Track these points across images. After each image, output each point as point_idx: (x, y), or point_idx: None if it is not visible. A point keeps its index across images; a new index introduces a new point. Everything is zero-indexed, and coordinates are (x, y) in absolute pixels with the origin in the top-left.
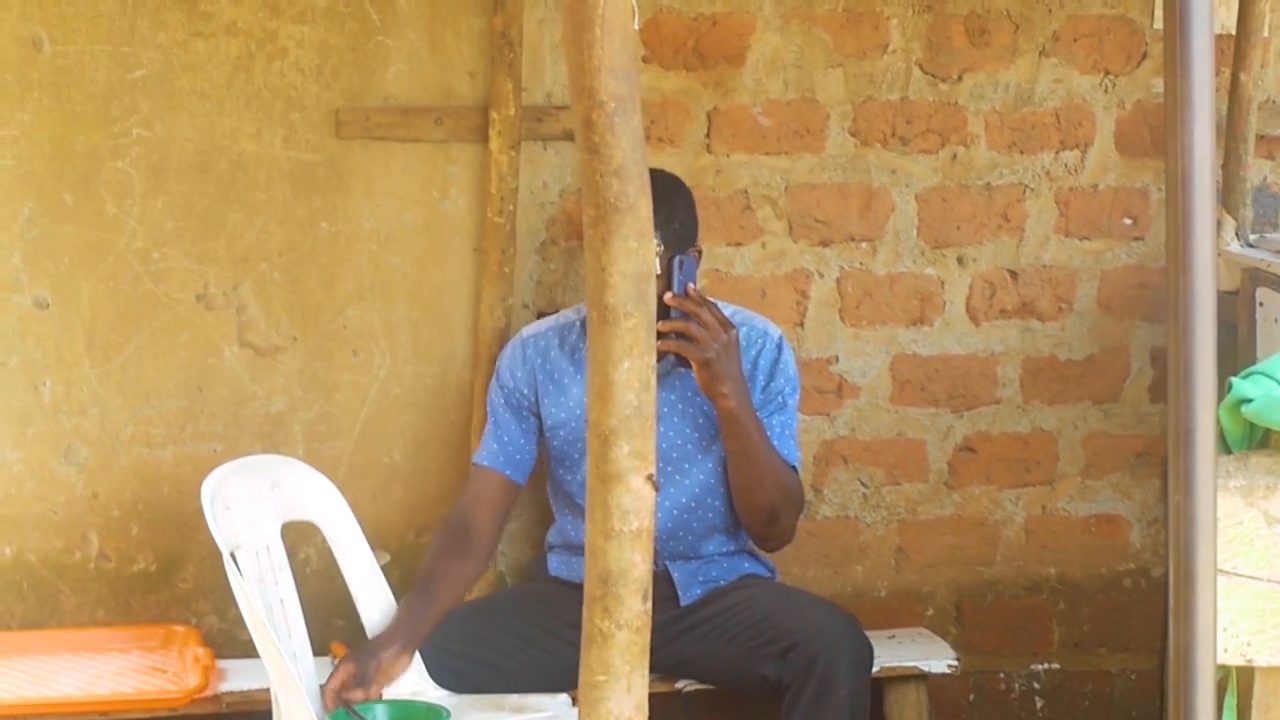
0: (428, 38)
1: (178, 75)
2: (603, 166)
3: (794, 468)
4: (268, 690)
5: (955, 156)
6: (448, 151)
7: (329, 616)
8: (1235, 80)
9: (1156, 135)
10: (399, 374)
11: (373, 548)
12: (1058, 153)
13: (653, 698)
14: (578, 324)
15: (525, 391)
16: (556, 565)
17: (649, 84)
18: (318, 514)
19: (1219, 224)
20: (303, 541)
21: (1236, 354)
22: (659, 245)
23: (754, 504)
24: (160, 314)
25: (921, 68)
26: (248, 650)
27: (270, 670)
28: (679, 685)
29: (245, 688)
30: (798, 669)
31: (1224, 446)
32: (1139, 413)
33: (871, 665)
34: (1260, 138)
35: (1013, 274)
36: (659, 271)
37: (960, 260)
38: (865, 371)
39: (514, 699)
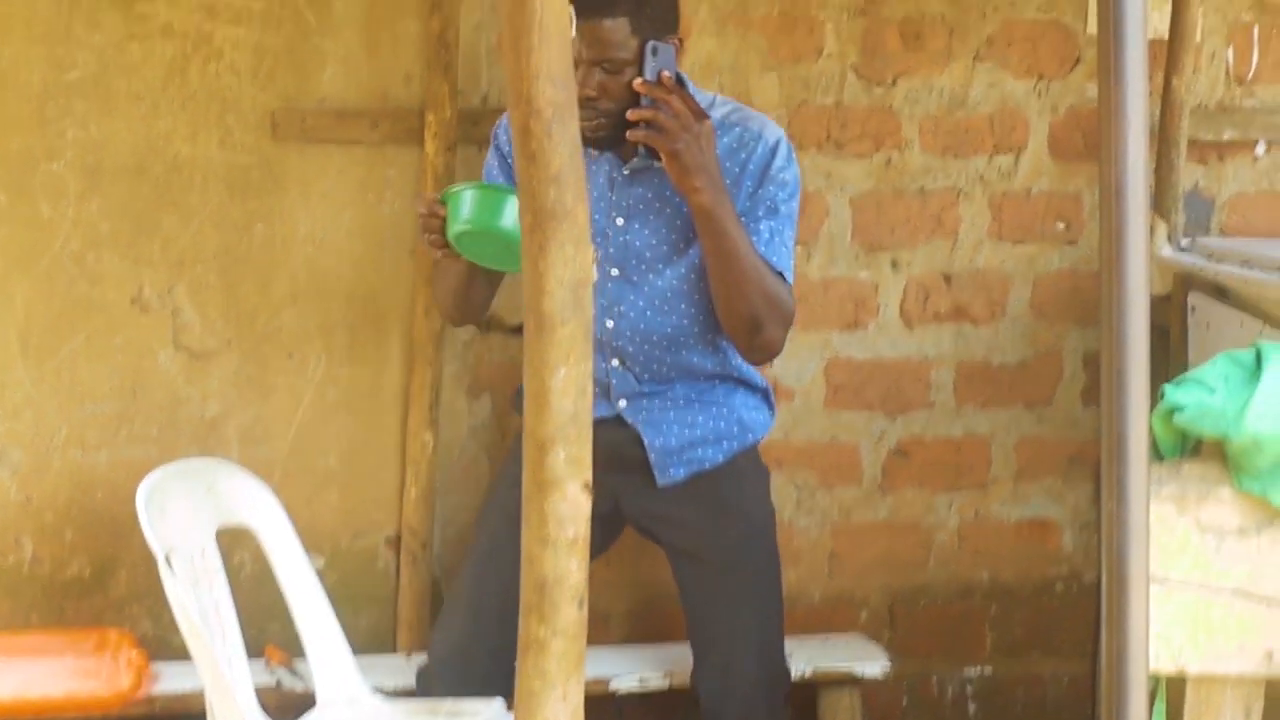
0: (364, 40)
1: (113, 77)
2: (540, 173)
3: (781, 274)
4: (202, 693)
5: (889, 161)
6: (384, 154)
7: (264, 621)
8: (1168, 85)
9: (1089, 139)
10: (334, 377)
11: (308, 552)
12: (991, 157)
13: (586, 700)
14: None
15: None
16: None
17: None
18: (253, 518)
19: (1151, 229)
20: (237, 545)
21: (1168, 358)
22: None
23: (734, 311)
24: (95, 317)
25: (856, 72)
26: (182, 655)
27: (204, 674)
28: (612, 688)
29: (179, 690)
30: (714, 693)
31: (1157, 454)
32: (1072, 417)
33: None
34: (1192, 142)
35: (946, 278)
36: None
37: (894, 264)
38: (799, 375)
39: (449, 704)
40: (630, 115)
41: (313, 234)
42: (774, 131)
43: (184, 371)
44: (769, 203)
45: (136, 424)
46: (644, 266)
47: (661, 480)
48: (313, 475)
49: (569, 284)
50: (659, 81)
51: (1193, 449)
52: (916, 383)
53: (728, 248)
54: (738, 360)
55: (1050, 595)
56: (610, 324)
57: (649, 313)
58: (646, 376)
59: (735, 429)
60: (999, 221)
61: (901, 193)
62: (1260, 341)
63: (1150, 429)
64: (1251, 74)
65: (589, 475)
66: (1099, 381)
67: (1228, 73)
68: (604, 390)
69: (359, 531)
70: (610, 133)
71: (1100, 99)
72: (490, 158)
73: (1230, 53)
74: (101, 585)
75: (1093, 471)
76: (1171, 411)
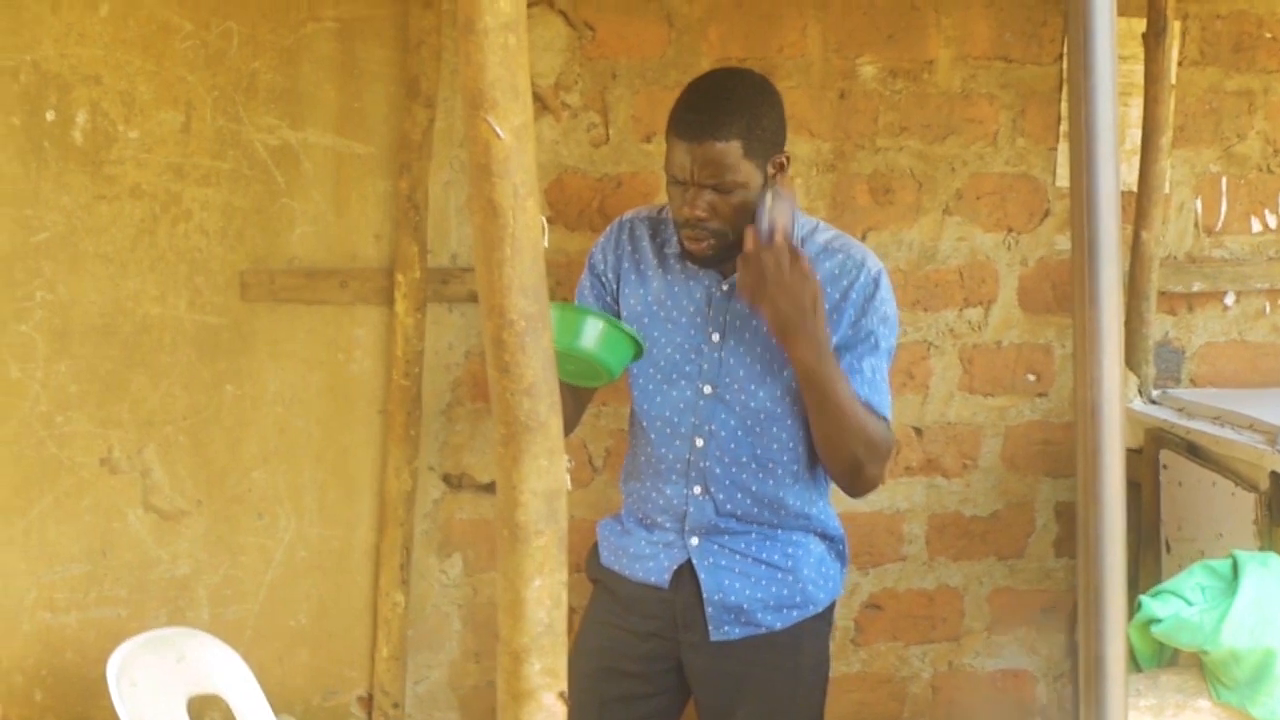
0: (333, 200)
1: (81, 238)
2: (513, 385)
3: (883, 416)
4: None
5: None
6: (353, 314)
7: None
8: (1137, 238)
9: (1059, 291)
10: (305, 536)
11: (278, 712)
12: (961, 310)
13: None
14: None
15: (610, 276)
16: (607, 551)
17: (554, 245)
18: (223, 686)
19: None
20: (209, 706)
21: (1140, 513)
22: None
23: (836, 456)
24: (64, 478)
25: None
26: None
27: None
28: None
29: None
30: None
31: (1135, 665)
32: (1044, 568)
33: None
34: (1162, 294)
35: (918, 431)
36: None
37: None
38: None
39: None
40: (741, 260)
41: (282, 394)
42: (875, 263)
43: (153, 532)
44: (871, 339)
45: (106, 585)
46: (737, 385)
47: (715, 635)
48: (284, 634)
49: (543, 495)
50: (771, 238)
51: (1170, 659)
52: (889, 535)
53: (831, 403)
54: (821, 501)
55: None
56: (699, 443)
57: (740, 433)
58: (728, 508)
59: (799, 598)
60: (969, 374)
61: None
62: (1236, 551)
63: (1128, 640)
64: (1220, 225)
65: (564, 685)
66: (1071, 532)
67: (1196, 224)
68: (679, 521)
69: (330, 690)
70: (717, 252)
71: (1074, 251)
72: (584, 278)
73: (1199, 204)
74: None
75: (1066, 622)
76: (1149, 622)
